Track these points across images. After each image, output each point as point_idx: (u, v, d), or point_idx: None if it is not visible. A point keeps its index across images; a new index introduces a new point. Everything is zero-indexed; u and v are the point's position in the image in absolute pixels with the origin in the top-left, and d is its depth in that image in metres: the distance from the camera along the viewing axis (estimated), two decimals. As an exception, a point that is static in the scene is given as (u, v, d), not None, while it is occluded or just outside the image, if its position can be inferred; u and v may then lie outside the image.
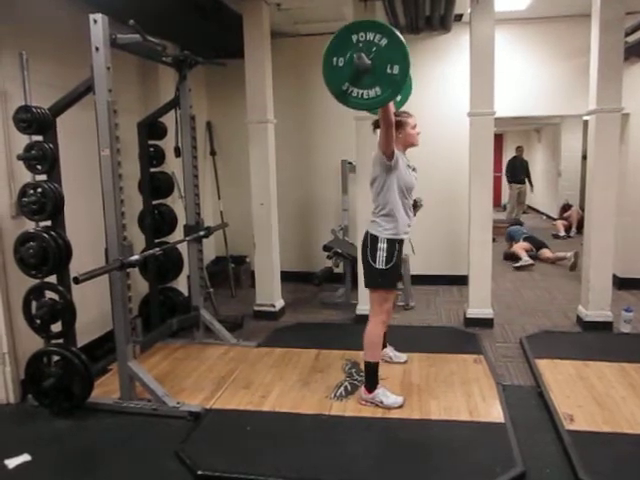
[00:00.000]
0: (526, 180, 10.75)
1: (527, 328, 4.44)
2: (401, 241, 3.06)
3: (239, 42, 4.59)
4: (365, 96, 2.60)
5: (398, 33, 2.53)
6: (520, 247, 7.11)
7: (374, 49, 2.53)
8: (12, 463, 2.63)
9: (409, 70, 2.56)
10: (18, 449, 2.72)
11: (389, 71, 2.53)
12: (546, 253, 7.12)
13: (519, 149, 10.92)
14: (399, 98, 3.18)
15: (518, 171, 10.70)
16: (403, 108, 3.27)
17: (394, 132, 2.82)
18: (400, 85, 2.58)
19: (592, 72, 4.17)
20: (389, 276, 3.01)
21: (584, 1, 4.33)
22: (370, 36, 2.54)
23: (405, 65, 2.53)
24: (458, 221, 5.40)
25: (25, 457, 2.67)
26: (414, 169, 3.13)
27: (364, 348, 3.09)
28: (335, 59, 2.62)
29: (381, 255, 2.97)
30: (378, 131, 2.96)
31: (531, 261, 6.83)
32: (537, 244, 7.27)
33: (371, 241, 3.01)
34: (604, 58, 4.05)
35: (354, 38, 2.56)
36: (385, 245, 2.97)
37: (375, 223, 3.03)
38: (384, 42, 2.53)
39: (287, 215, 5.81)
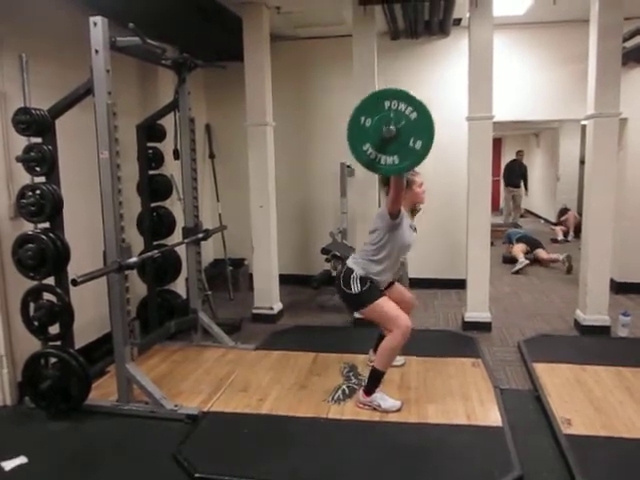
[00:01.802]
0: (522, 184, 10.81)
1: (525, 332, 4.44)
2: (375, 285, 3.08)
3: (239, 45, 4.60)
4: (383, 162, 2.66)
5: (429, 112, 2.59)
6: (517, 249, 7.13)
7: (403, 121, 2.59)
8: (8, 465, 2.62)
9: (430, 148, 2.61)
10: (15, 451, 2.72)
11: (411, 145, 2.60)
12: (541, 253, 7.15)
13: (520, 153, 10.98)
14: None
15: (515, 174, 10.74)
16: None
17: (402, 196, 2.89)
18: (419, 160, 2.64)
19: (590, 77, 4.19)
20: (368, 294, 3.03)
21: (582, 6, 4.35)
22: (402, 107, 2.60)
23: (428, 143, 2.59)
24: (456, 225, 5.42)
25: (22, 459, 2.67)
26: (415, 229, 3.20)
27: (378, 354, 3.06)
28: (363, 118, 2.67)
29: (355, 284, 3.03)
30: (386, 187, 3.02)
31: (527, 261, 6.84)
32: (532, 244, 7.28)
33: (345, 273, 3.09)
34: (602, 63, 4.06)
35: (386, 104, 2.61)
36: (358, 279, 3.04)
37: (355, 260, 3.11)
38: (413, 116, 2.59)
39: (286, 218, 5.81)
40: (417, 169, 3.13)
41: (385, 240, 3.01)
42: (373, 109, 2.64)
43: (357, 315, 4.51)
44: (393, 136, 2.59)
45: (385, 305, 3.03)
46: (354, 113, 2.70)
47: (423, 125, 2.59)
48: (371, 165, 2.71)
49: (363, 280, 3.03)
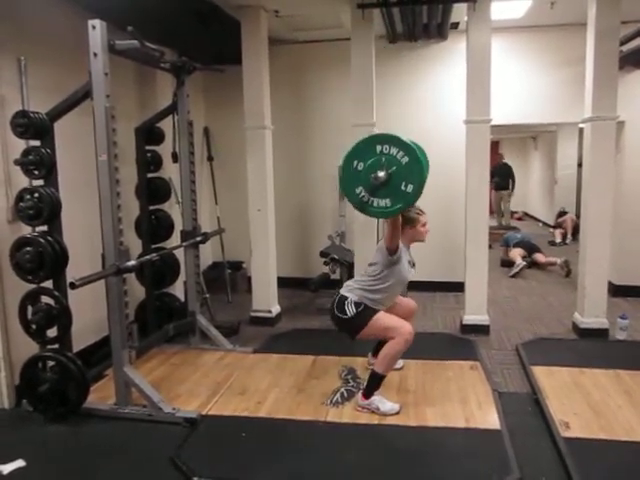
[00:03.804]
0: (510, 185, 10.93)
1: (523, 335, 4.44)
2: (369, 307, 3.08)
3: (237, 48, 4.61)
4: (375, 204, 2.72)
5: (420, 157, 2.65)
6: (515, 253, 7.14)
7: (394, 167, 2.64)
8: (6, 469, 2.61)
9: (421, 191, 2.67)
10: (12, 455, 2.70)
11: (403, 188, 2.66)
12: (539, 257, 7.16)
13: (500, 155, 11.20)
14: None
15: (504, 176, 10.88)
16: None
17: (400, 233, 2.95)
18: (410, 202, 2.73)
19: (588, 80, 4.21)
20: (362, 315, 3.03)
21: (580, 10, 4.36)
22: (394, 151, 2.66)
23: (419, 187, 2.65)
24: (454, 228, 5.42)
25: (19, 463, 2.66)
26: (413, 265, 3.23)
27: (380, 358, 3.06)
28: (356, 162, 2.74)
29: (349, 306, 3.04)
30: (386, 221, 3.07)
31: (524, 263, 6.84)
32: (529, 249, 7.29)
33: (339, 300, 3.11)
34: (599, 67, 4.08)
35: (378, 148, 2.68)
36: (352, 304, 3.05)
37: (350, 289, 3.13)
38: (405, 160, 2.65)
39: (284, 221, 5.81)
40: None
41: (384, 275, 3.04)
42: (365, 153, 2.72)
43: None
44: (384, 182, 2.65)
45: (383, 319, 3.05)
46: (347, 157, 2.77)
47: (414, 169, 2.65)
48: (363, 207, 2.78)
49: (357, 303, 3.05)
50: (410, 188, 2.64)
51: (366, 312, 3.04)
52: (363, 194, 2.73)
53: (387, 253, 2.97)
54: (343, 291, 3.16)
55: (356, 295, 3.07)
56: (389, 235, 2.92)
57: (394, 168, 2.64)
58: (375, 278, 3.06)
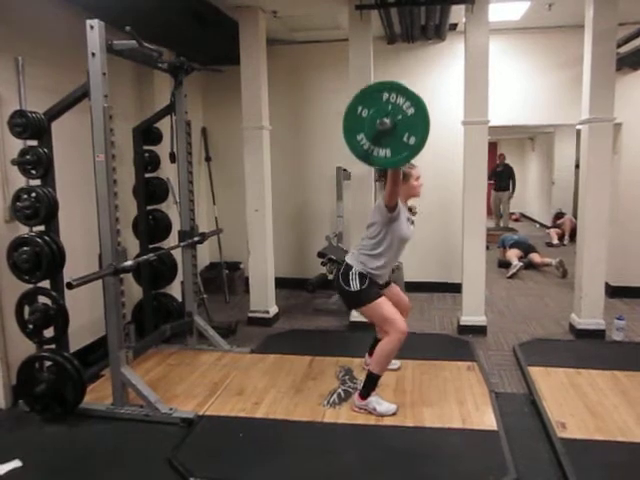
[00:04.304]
0: (510, 187, 10.94)
1: (520, 336, 4.45)
2: (374, 281, 3.07)
3: (235, 49, 4.61)
4: (375, 154, 2.67)
5: (427, 110, 2.59)
6: (512, 254, 7.15)
7: (399, 116, 2.59)
8: (3, 469, 2.60)
9: (424, 145, 2.61)
10: (9, 455, 2.70)
11: (405, 140, 2.60)
12: (534, 257, 7.18)
13: (501, 156, 11.19)
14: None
15: (504, 178, 10.90)
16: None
17: (399, 190, 2.89)
18: (411, 156, 2.65)
19: (585, 82, 4.22)
20: (367, 292, 3.02)
21: (577, 12, 4.38)
22: (400, 101, 2.59)
23: (422, 140, 2.59)
24: (452, 229, 5.43)
25: (16, 463, 2.65)
26: (412, 222, 3.18)
27: (374, 358, 3.07)
28: (360, 108, 2.67)
29: (354, 281, 3.01)
30: (383, 179, 3.01)
31: (521, 264, 6.86)
32: (525, 249, 7.30)
33: (344, 269, 3.08)
34: (597, 68, 4.09)
35: (385, 96, 2.61)
36: (357, 275, 3.02)
37: (353, 256, 3.10)
38: (410, 111, 2.59)
39: (282, 221, 5.82)
40: (414, 162, 3.16)
41: (383, 234, 2.99)
42: (371, 100, 2.64)
43: (354, 313, 4.54)
44: (388, 129, 2.59)
45: (384, 306, 3.02)
46: (352, 102, 2.70)
47: (419, 122, 2.59)
48: (364, 157, 2.71)
49: (362, 277, 3.01)
50: (412, 140, 2.59)
51: (370, 291, 3.01)
52: (364, 142, 2.67)
53: (386, 210, 2.92)
54: (348, 259, 3.12)
55: (360, 263, 3.03)
56: (389, 191, 2.84)
57: (399, 117, 2.59)
58: (376, 240, 3.01)
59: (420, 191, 3.19)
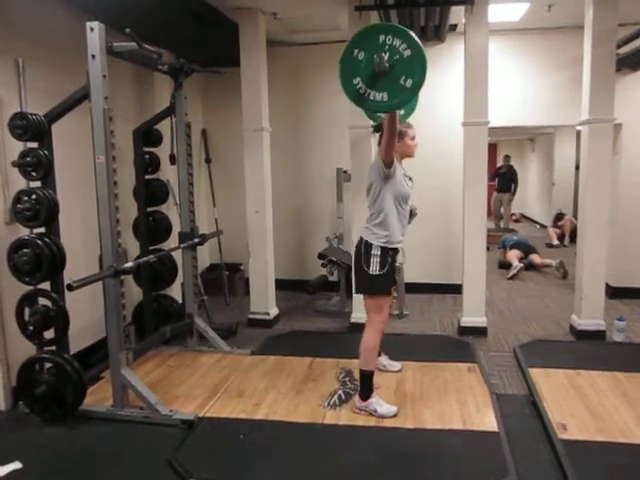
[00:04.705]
0: (512, 188, 10.96)
1: (521, 337, 4.45)
2: (395, 250, 3.06)
3: (235, 50, 4.61)
4: (372, 97, 2.61)
5: (424, 51, 2.55)
6: (512, 255, 7.15)
7: (396, 57, 2.54)
8: (2, 471, 2.60)
9: (421, 87, 2.57)
10: (9, 457, 2.70)
11: (402, 82, 2.55)
12: (535, 258, 7.17)
13: (507, 158, 11.17)
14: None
15: (506, 179, 10.91)
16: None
17: (396, 140, 2.84)
18: (408, 99, 2.61)
19: (585, 83, 4.22)
20: (383, 281, 3.01)
21: (577, 13, 4.38)
22: (397, 42, 2.54)
23: (419, 82, 2.55)
24: (452, 230, 5.43)
25: (16, 465, 2.65)
26: (410, 179, 3.14)
27: (360, 356, 3.08)
28: (356, 51, 2.61)
29: (375, 261, 2.97)
30: (377, 136, 2.99)
31: (521, 265, 6.86)
32: (526, 250, 7.30)
33: (365, 247, 3.02)
34: (596, 69, 4.09)
35: (381, 38, 2.55)
36: (379, 252, 2.98)
37: (368, 230, 3.04)
38: (407, 53, 2.54)
39: (282, 223, 5.82)
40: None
41: (383, 192, 2.96)
42: (367, 42, 2.59)
43: (355, 314, 4.57)
44: (385, 70, 2.54)
45: (385, 302, 3.06)
46: (348, 45, 2.65)
47: (416, 63, 2.54)
48: (360, 100, 2.66)
49: (384, 255, 2.97)
50: (409, 83, 2.54)
51: (386, 279, 3.01)
52: (360, 85, 2.61)
53: (383, 166, 2.89)
54: (364, 235, 3.06)
55: (373, 235, 2.99)
56: (386, 142, 2.80)
57: (396, 57, 2.54)
58: (377, 202, 2.98)
59: (415, 151, 3.15)
